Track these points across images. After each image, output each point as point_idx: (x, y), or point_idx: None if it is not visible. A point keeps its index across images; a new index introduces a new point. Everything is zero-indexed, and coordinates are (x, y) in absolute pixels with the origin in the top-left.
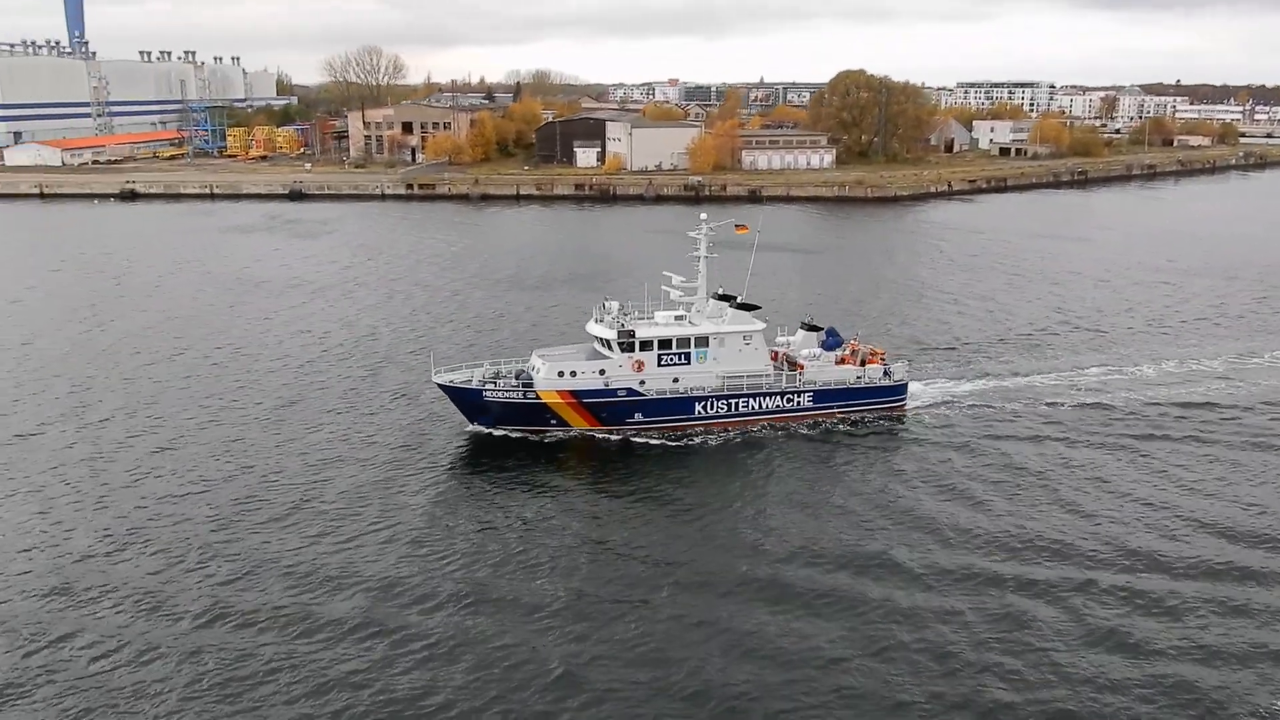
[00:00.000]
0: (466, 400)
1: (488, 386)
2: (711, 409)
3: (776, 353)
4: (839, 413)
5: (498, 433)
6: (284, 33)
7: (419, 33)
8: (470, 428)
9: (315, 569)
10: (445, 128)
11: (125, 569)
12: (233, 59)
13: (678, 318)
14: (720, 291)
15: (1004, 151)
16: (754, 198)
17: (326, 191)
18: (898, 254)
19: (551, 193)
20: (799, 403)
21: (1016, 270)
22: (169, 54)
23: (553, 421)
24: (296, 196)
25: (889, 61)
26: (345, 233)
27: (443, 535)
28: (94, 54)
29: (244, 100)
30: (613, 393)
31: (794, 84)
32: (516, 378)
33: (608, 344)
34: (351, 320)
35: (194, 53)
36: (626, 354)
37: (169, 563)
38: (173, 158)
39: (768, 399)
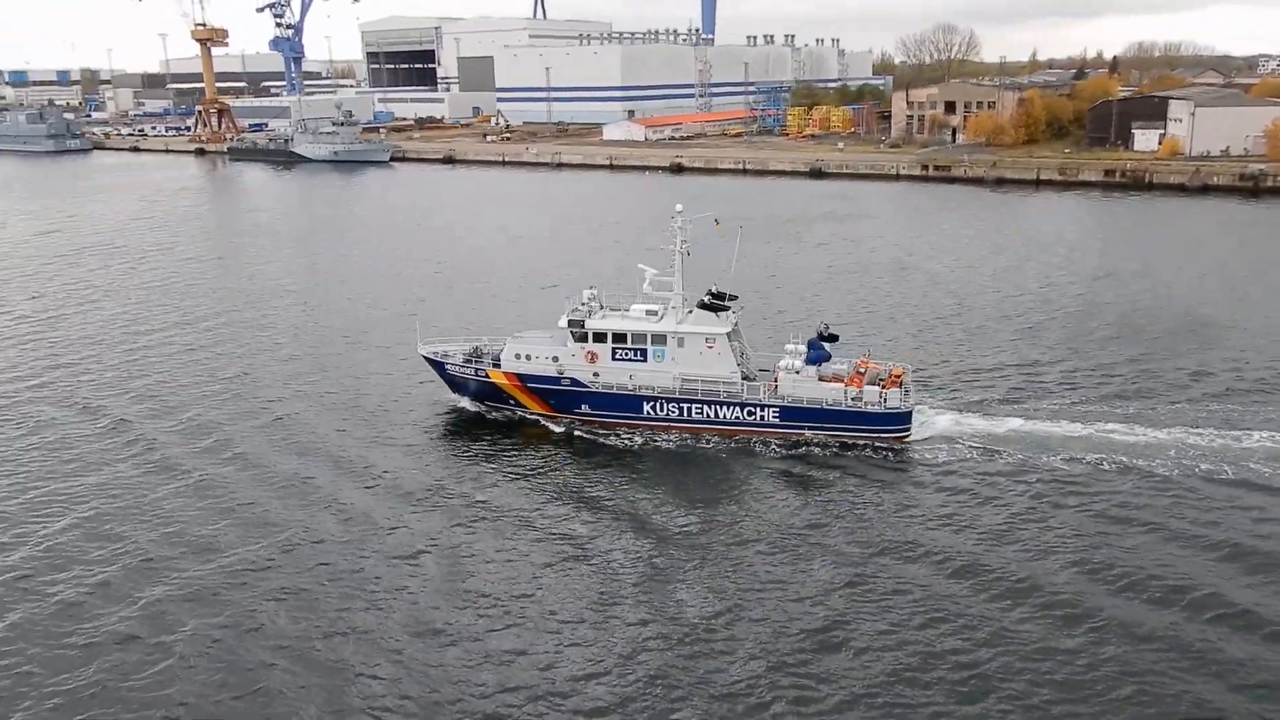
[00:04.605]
0: (438, 373)
1: (449, 361)
2: (661, 410)
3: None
4: (812, 434)
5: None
6: (919, 11)
7: (1060, 5)
8: (451, 398)
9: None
10: (990, 107)
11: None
12: (832, 40)
13: (649, 312)
14: (714, 289)
15: None
16: None
17: (845, 171)
18: None
19: (1075, 179)
20: (762, 417)
21: None
22: (771, 38)
23: (511, 403)
24: (816, 174)
25: None
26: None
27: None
28: (710, 39)
29: (835, 80)
30: (555, 380)
31: None
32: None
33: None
34: None
35: (793, 36)
36: (579, 344)
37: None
38: (738, 135)
39: (725, 408)
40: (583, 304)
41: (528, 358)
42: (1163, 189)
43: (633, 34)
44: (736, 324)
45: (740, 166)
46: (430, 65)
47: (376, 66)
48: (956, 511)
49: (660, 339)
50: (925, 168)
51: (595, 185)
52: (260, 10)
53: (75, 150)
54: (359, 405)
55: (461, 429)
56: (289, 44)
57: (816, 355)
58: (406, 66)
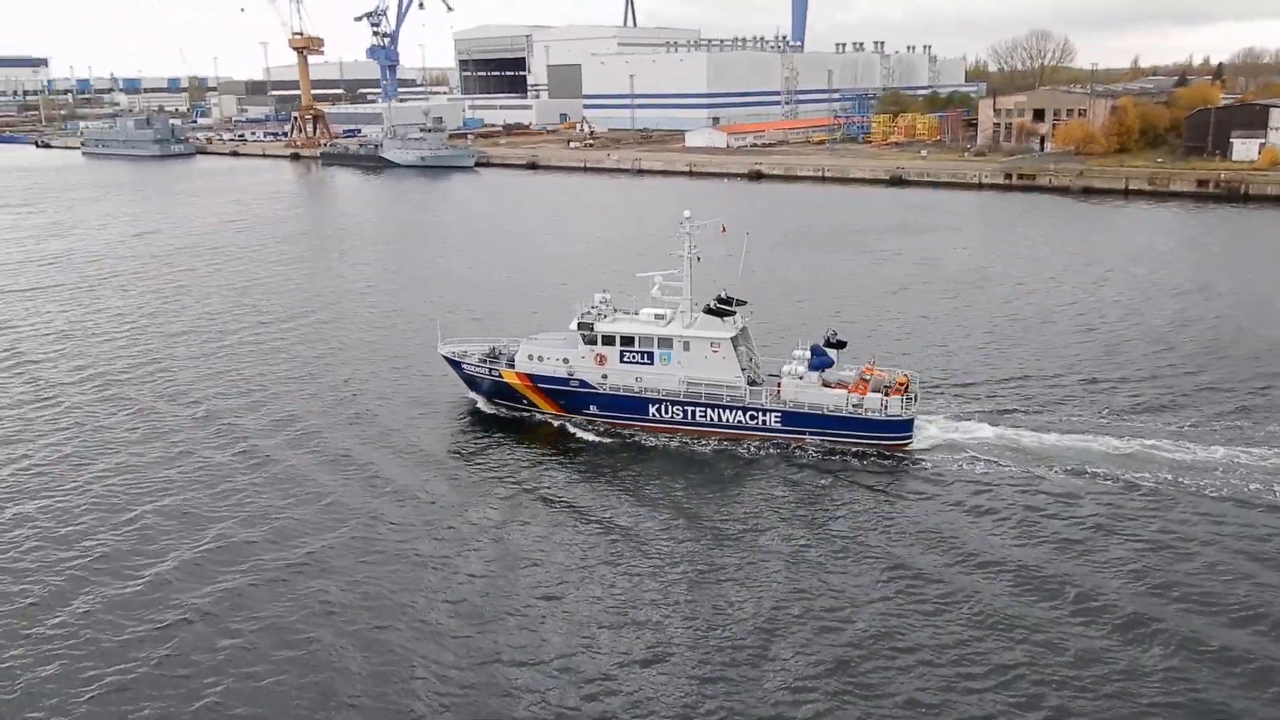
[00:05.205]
0: (456, 372)
1: (466, 361)
2: (666, 413)
3: None
4: (812, 439)
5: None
6: (1017, 15)
7: (1167, 10)
8: (468, 395)
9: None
10: (1080, 114)
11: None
12: (923, 47)
13: (657, 316)
14: (723, 294)
15: None
16: None
17: (926, 179)
18: None
19: (1166, 189)
20: (764, 421)
21: None
22: (861, 45)
23: (523, 402)
24: (897, 182)
25: None
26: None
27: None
28: (799, 46)
29: (925, 87)
30: (565, 381)
31: None
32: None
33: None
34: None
35: (882, 43)
36: (588, 346)
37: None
38: (821, 142)
39: (728, 412)
40: (593, 307)
41: (540, 359)
42: (1260, 200)
43: (721, 41)
44: (745, 328)
45: (819, 174)
46: (521, 73)
47: (468, 74)
48: (939, 522)
49: (667, 342)
50: (1009, 176)
51: (675, 192)
52: (358, 19)
53: (179, 154)
54: (424, 403)
55: (504, 429)
56: (384, 52)
57: (819, 361)
58: (498, 74)
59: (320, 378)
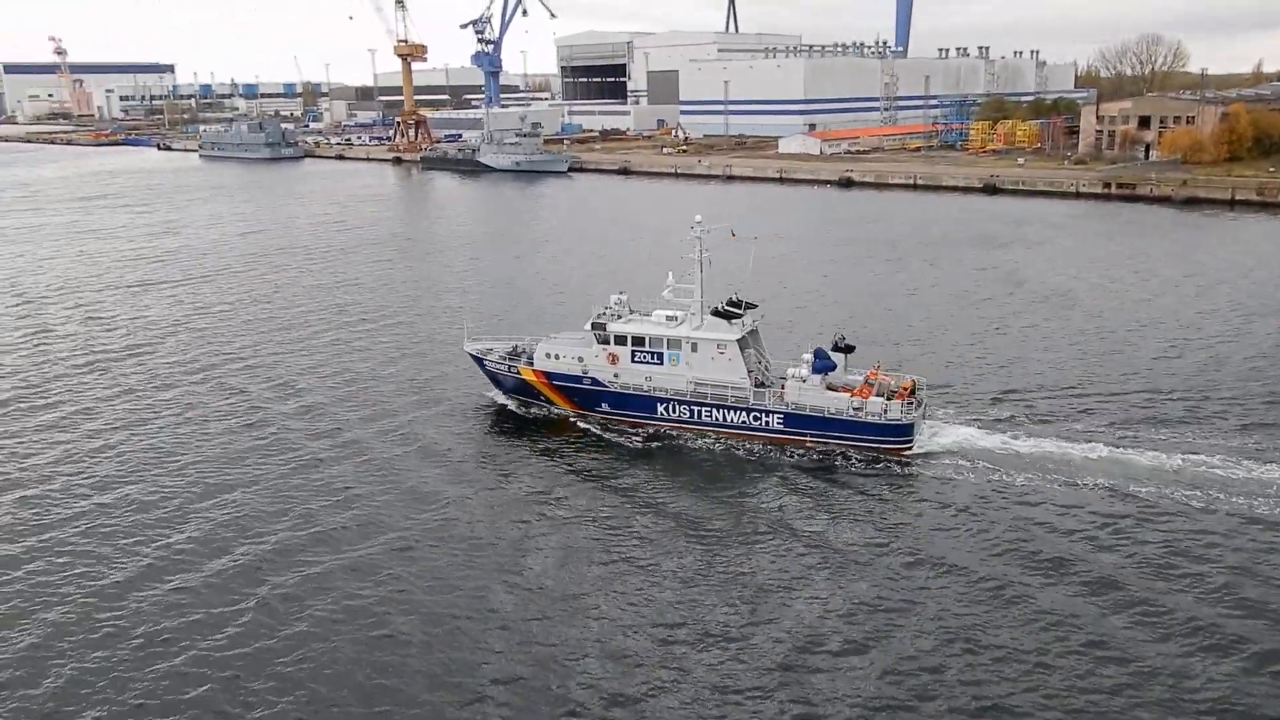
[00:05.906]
0: (480, 368)
1: (487, 359)
2: (673, 412)
3: None
4: (812, 442)
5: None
6: (1137, 18)
7: None
8: (490, 393)
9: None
10: (1189, 122)
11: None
12: (1030, 52)
13: (669, 318)
14: (734, 297)
15: None
16: None
17: (1021, 187)
18: None
19: (1275, 199)
20: (767, 423)
21: None
22: (965, 50)
23: (541, 399)
24: (990, 191)
25: None
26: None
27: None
28: (902, 51)
29: (1031, 93)
30: (578, 379)
31: None
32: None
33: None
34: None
35: (987, 48)
36: (601, 346)
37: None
38: (917, 149)
39: (731, 412)
40: (608, 308)
41: (556, 357)
42: None
43: (823, 47)
44: (755, 331)
45: (911, 181)
46: (621, 79)
47: (569, 80)
48: (926, 526)
49: (675, 344)
50: (1107, 185)
51: (762, 198)
52: (464, 27)
53: (288, 157)
54: (486, 404)
55: (541, 429)
56: (488, 59)
57: (822, 365)
58: (599, 80)
59: (398, 377)
